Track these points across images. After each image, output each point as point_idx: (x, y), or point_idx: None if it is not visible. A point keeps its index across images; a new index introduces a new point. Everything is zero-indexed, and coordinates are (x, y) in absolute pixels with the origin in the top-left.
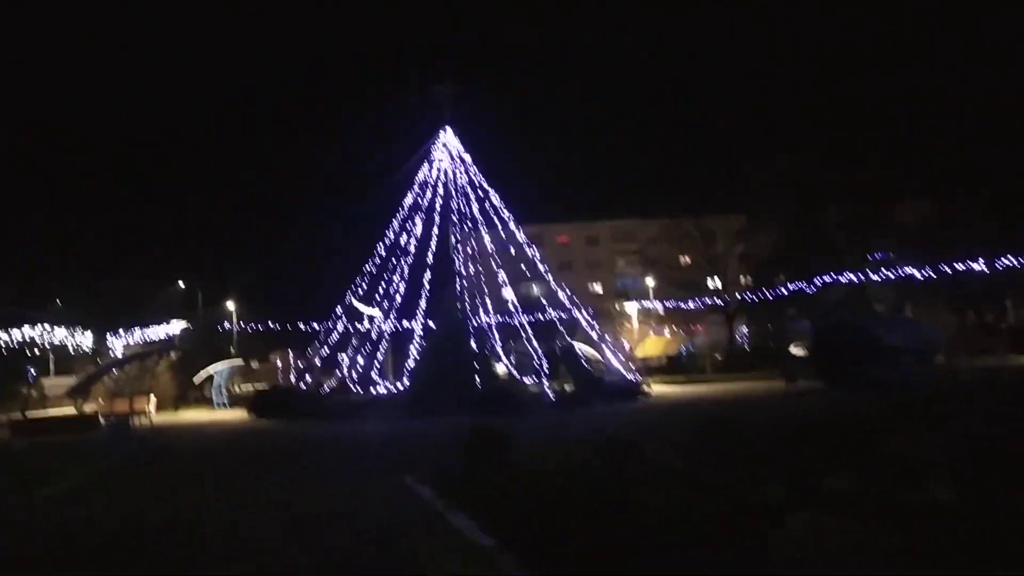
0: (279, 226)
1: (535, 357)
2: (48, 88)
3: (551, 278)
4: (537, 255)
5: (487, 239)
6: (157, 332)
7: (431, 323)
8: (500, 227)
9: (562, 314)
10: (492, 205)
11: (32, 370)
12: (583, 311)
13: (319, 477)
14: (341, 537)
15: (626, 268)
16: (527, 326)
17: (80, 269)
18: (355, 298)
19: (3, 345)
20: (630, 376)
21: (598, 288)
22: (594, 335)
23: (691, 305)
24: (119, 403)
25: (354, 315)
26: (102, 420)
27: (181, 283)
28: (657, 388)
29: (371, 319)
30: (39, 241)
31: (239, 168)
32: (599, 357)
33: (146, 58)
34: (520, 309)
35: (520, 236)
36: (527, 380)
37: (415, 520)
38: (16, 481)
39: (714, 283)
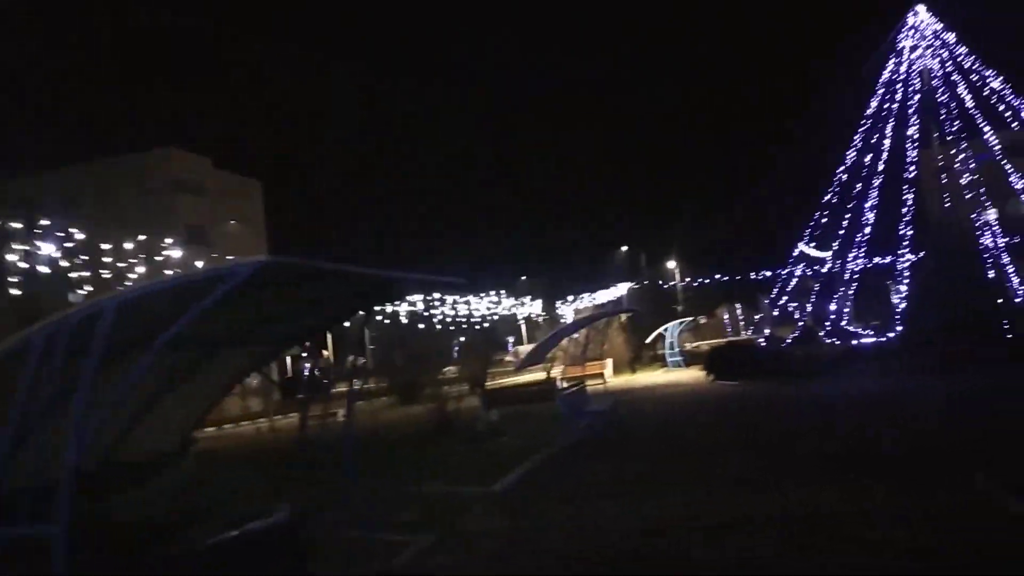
0: (719, 171)
1: None
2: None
3: None
4: None
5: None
6: (605, 295)
7: (910, 256)
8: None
9: None
10: (995, 94)
11: (511, 339)
12: None
13: (860, 476)
14: None
15: None
16: None
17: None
18: (805, 243)
19: (486, 318)
20: None
21: None
22: None
23: None
24: (575, 369)
25: (807, 260)
26: (560, 386)
27: (624, 248)
28: None
29: (821, 262)
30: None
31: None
32: None
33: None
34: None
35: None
36: None
37: None
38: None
39: None
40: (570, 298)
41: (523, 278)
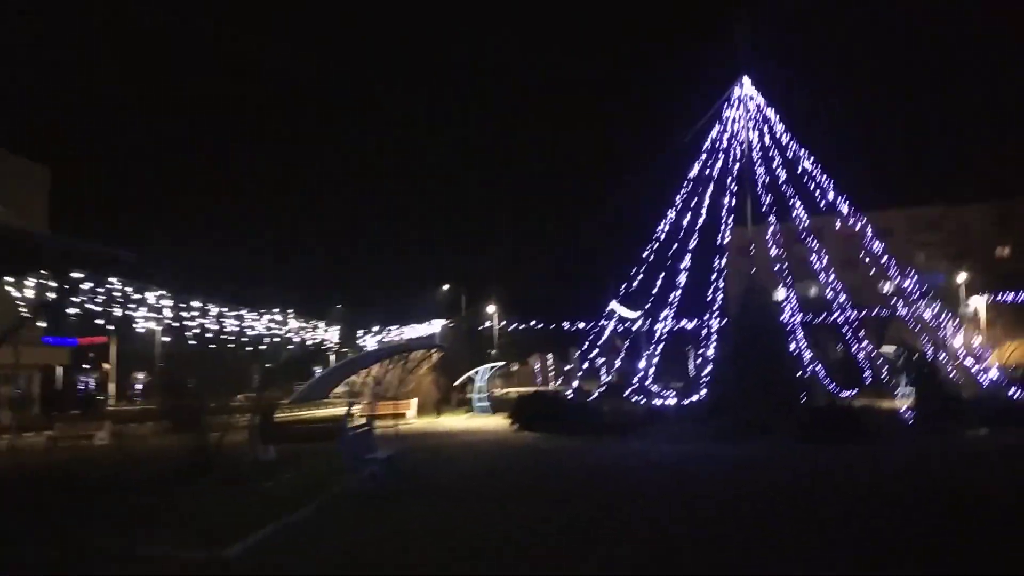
0: (541, 223)
1: (861, 364)
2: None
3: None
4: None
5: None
6: (418, 330)
7: (713, 323)
8: (810, 204)
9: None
10: (807, 174)
11: (318, 369)
12: (925, 306)
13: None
14: None
15: (927, 263)
16: (845, 326)
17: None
18: (617, 300)
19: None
20: (1008, 394)
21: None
22: (939, 338)
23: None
24: (379, 406)
25: (617, 318)
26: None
27: (446, 286)
28: None
29: (631, 320)
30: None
31: (503, 168)
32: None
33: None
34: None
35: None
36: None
37: None
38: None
39: None
40: (375, 328)
41: (338, 306)
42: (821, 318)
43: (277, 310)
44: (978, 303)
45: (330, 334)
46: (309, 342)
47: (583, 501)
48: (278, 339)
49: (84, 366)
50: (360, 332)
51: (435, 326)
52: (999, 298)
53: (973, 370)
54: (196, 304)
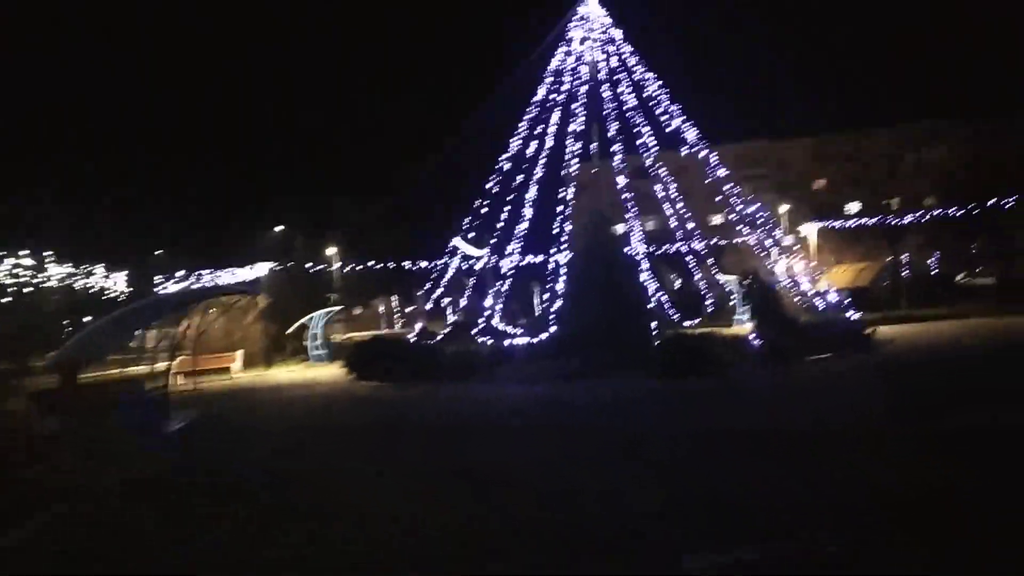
0: (384, 158)
1: (704, 294)
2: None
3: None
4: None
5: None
6: (238, 276)
7: (560, 258)
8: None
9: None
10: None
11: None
12: (769, 234)
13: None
14: None
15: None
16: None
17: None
18: (461, 236)
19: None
20: (845, 316)
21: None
22: (780, 265)
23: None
24: (196, 361)
25: (461, 255)
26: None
27: (280, 227)
28: None
29: (476, 257)
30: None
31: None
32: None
33: None
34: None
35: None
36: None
37: None
38: None
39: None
40: (180, 274)
41: (157, 252)
42: (662, 250)
43: (26, 252)
44: (809, 230)
45: (114, 282)
46: (81, 289)
47: (416, 481)
48: (30, 289)
49: None
50: (161, 279)
51: (260, 270)
52: (828, 225)
53: (810, 294)
54: None
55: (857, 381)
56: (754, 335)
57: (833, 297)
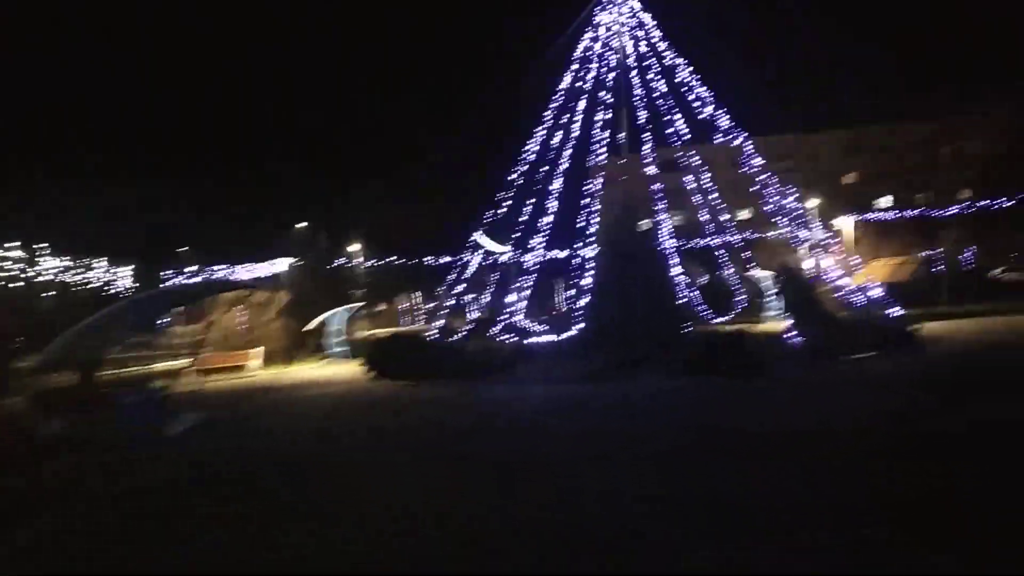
0: (408, 151)
1: (735, 289)
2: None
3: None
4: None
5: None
6: (256, 271)
7: (587, 252)
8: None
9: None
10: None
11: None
12: (809, 227)
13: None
14: None
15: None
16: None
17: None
18: (482, 231)
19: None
20: (887, 313)
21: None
22: (815, 260)
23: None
24: (215, 359)
25: (483, 251)
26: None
27: (304, 223)
28: None
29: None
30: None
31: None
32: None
33: None
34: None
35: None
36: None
37: None
38: None
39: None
40: (190, 269)
41: (185, 248)
42: (692, 243)
43: (16, 244)
44: (845, 224)
45: (118, 277)
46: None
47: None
48: (21, 283)
49: None
50: (170, 272)
51: (280, 265)
52: (864, 218)
53: (848, 290)
54: None
55: (905, 380)
56: (791, 332)
57: (874, 292)
